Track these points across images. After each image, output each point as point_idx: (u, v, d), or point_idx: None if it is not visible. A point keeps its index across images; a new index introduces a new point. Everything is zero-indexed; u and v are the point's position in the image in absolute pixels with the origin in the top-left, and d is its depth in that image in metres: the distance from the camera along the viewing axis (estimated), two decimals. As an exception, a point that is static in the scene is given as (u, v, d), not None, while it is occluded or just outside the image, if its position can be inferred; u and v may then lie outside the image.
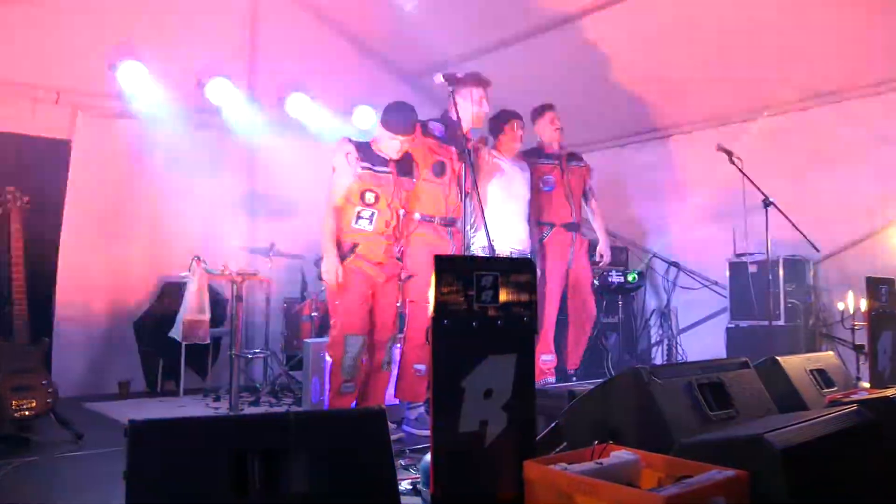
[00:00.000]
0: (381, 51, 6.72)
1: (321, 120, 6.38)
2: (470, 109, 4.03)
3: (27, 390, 3.65)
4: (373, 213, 3.77)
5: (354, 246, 3.77)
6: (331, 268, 3.70)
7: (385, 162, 3.85)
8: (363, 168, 3.77)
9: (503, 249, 4.06)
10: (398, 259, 4.01)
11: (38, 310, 3.51)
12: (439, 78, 3.86)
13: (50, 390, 3.72)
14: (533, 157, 4.95)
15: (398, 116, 3.81)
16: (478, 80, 4.08)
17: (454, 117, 3.92)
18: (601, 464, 1.96)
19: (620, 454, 2.03)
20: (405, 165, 3.95)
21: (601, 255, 4.99)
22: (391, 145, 3.81)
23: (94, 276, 5.52)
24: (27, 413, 3.64)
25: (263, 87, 6.29)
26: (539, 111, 5.01)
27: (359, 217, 3.77)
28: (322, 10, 6.47)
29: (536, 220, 4.87)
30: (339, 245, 3.80)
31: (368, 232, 3.79)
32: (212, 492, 1.79)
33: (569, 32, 5.55)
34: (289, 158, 6.08)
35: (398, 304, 4.03)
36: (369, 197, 3.77)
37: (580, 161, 5.09)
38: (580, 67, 5.89)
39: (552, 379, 4.80)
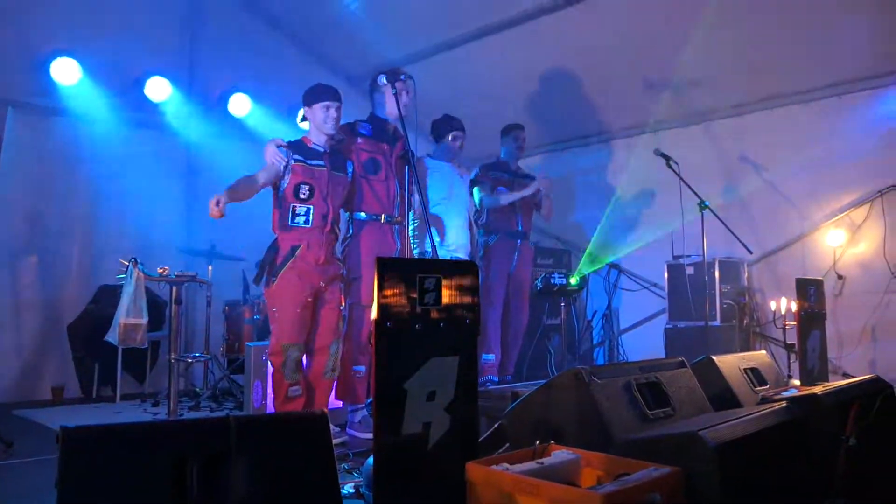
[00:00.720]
0: (324, 52, 6.67)
1: (262, 120, 6.30)
2: (400, 101, 3.99)
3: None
4: (308, 209, 3.72)
5: (294, 248, 3.70)
6: (216, 197, 3.46)
7: (319, 155, 3.82)
8: (296, 161, 3.73)
9: (442, 255, 4.07)
10: (340, 260, 3.98)
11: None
12: (384, 80, 3.87)
13: (-23, 397, 3.58)
14: (492, 169, 5.14)
15: (319, 87, 3.82)
16: (398, 73, 4.06)
17: (394, 113, 3.93)
18: (542, 463, 1.99)
19: (561, 453, 2.06)
20: (338, 161, 3.92)
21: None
22: (327, 117, 3.77)
23: (26, 277, 5.34)
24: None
25: (204, 86, 6.18)
26: (509, 128, 5.22)
27: (295, 214, 3.71)
28: (264, 10, 6.39)
29: (486, 226, 5.06)
30: (277, 248, 3.74)
31: (307, 228, 3.73)
32: (149, 500, 1.75)
33: (510, 38, 5.62)
34: (229, 159, 5.97)
35: (341, 308, 4.00)
36: (304, 191, 3.72)
37: (532, 179, 5.23)
38: (522, 71, 5.98)
39: (494, 377, 4.89)
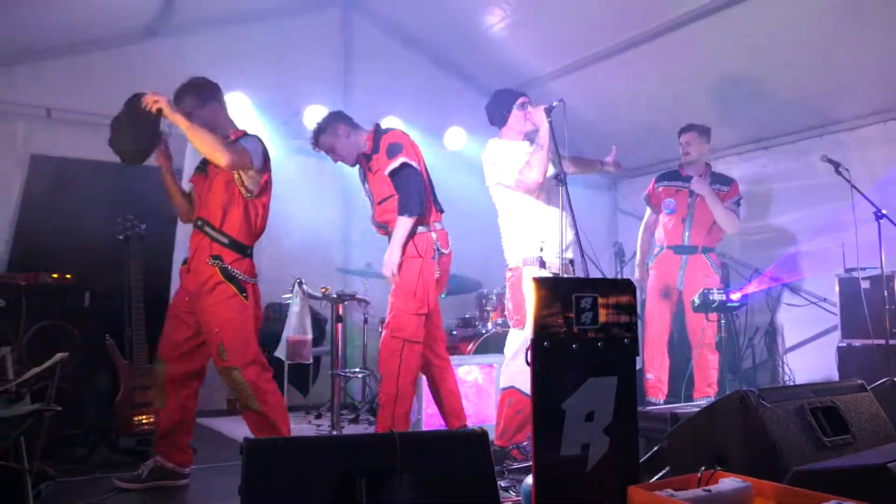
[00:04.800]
0: (469, 72, 6.81)
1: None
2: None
3: (147, 406, 3.88)
4: None
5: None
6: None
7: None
8: None
9: (552, 261, 3.70)
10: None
11: (156, 331, 3.73)
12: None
13: (167, 407, 3.92)
14: (663, 179, 5.12)
15: None
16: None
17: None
18: (710, 491, 1.91)
19: (730, 481, 1.97)
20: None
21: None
22: None
23: (203, 297, 5.79)
24: (147, 427, 3.87)
25: (358, 112, 6.41)
26: (680, 130, 5.08)
27: None
28: (410, 35, 6.62)
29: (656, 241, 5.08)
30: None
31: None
32: (322, 510, 1.86)
33: (659, 47, 5.45)
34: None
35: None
36: None
37: (722, 185, 5.04)
38: (671, 81, 5.79)
39: (652, 398, 4.76)
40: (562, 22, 5.65)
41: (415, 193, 3.70)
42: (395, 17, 6.50)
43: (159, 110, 3.18)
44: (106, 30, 5.18)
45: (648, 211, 5.27)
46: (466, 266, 5.55)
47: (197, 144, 3.26)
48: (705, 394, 4.76)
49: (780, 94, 5.51)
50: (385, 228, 3.89)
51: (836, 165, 4.58)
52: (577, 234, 3.57)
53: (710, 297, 4.59)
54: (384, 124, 6.38)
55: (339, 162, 4.09)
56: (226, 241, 3.39)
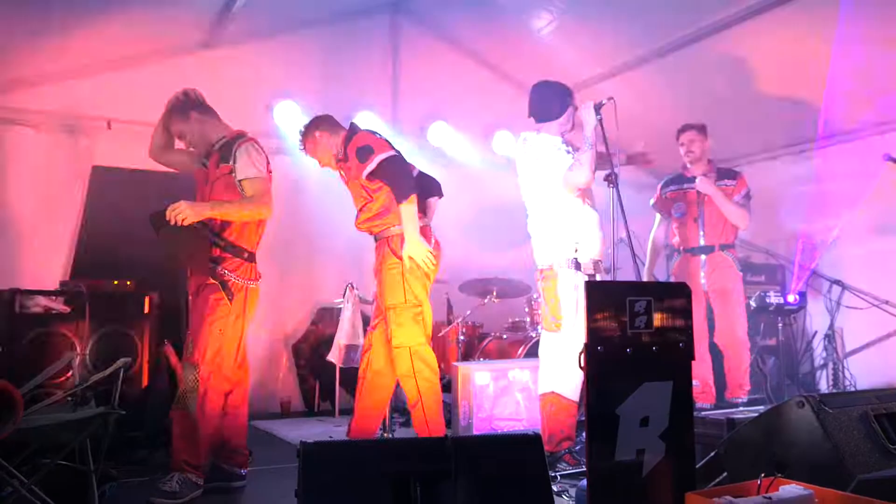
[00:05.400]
0: (517, 76, 6.79)
1: (462, 147, 6.53)
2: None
3: (202, 409, 3.95)
4: None
5: None
6: None
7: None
8: None
9: (586, 262, 3.67)
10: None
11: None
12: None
13: (223, 409, 4.00)
14: (668, 184, 5.01)
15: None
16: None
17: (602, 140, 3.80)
18: (770, 498, 1.88)
19: (791, 489, 1.93)
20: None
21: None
22: None
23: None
24: (203, 431, 3.95)
25: (406, 117, 6.51)
26: (678, 131, 4.94)
27: None
28: (457, 40, 6.64)
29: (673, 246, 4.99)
30: None
31: None
32: (378, 512, 1.88)
33: (708, 47, 5.35)
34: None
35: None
36: None
37: (729, 180, 4.93)
38: (722, 82, 5.67)
39: (704, 405, 4.67)
40: (608, 24, 5.59)
41: (401, 176, 3.65)
42: (443, 21, 6.52)
43: (190, 221, 3.23)
44: (162, 43, 5.33)
45: (658, 218, 5.17)
46: (515, 270, 5.54)
47: (237, 218, 3.42)
48: (737, 395, 4.65)
49: (837, 91, 5.36)
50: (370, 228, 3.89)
51: (899, 163, 4.45)
52: (628, 235, 3.52)
53: (768, 301, 4.48)
54: (433, 129, 6.46)
55: (325, 167, 4.04)
56: (223, 243, 3.44)
